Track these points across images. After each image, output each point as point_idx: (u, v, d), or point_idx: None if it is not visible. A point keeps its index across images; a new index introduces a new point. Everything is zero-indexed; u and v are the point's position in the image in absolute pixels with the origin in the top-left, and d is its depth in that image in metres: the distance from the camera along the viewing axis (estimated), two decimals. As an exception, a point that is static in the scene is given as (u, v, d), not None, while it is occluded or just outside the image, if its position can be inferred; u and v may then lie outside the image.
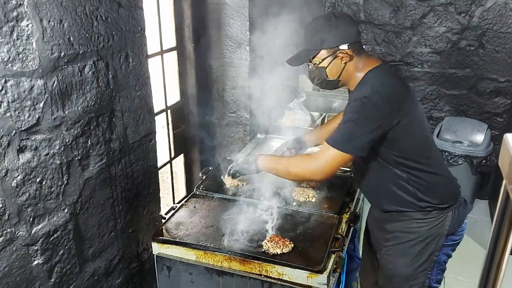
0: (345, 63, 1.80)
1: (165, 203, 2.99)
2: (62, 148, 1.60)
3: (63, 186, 1.63)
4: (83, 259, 1.81)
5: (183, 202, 2.12)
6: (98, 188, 1.83)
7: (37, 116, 1.47)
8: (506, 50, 3.74)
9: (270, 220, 1.91)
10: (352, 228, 2.08)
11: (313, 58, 1.81)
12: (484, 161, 3.62)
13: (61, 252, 1.67)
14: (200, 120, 3.10)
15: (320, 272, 1.65)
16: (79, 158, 1.70)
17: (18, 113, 1.40)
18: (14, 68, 1.36)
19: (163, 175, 3.68)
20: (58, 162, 1.59)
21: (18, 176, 1.43)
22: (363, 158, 1.80)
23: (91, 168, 1.78)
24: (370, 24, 4.05)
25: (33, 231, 1.52)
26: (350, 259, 2.34)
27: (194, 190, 2.21)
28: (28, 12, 1.37)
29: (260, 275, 1.72)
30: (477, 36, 3.79)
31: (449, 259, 2.15)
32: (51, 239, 1.61)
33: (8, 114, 1.36)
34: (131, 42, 1.91)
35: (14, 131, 1.39)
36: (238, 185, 2.14)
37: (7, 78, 1.34)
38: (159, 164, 2.38)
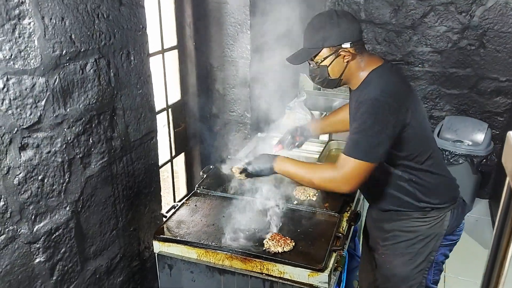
0: (348, 61, 1.77)
1: (166, 202, 2.99)
2: (64, 146, 1.60)
3: (64, 184, 1.64)
4: (85, 257, 1.81)
5: (184, 200, 2.12)
6: (100, 186, 1.84)
7: (39, 114, 1.47)
8: (506, 50, 3.74)
9: (271, 218, 1.91)
10: (352, 227, 2.08)
11: (315, 56, 1.78)
12: (484, 160, 3.62)
13: (63, 250, 1.67)
14: (201, 118, 3.10)
15: (321, 270, 1.65)
16: (80, 156, 1.70)
17: (20, 110, 1.40)
18: (16, 66, 1.36)
19: (164, 174, 3.68)
20: (59, 160, 1.59)
21: (20, 173, 1.43)
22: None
23: (93, 166, 1.78)
24: (370, 23, 4.04)
25: (35, 229, 1.52)
26: (351, 258, 2.34)
27: (195, 188, 2.21)
28: (30, 10, 1.37)
29: (261, 273, 1.72)
30: (477, 36, 3.79)
31: (448, 259, 2.14)
32: (53, 237, 1.61)
33: (9, 111, 1.36)
34: (133, 40, 1.91)
35: (15, 129, 1.39)
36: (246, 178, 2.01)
37: (9, 76, 1.34)
38: (160, 163, 2.38)
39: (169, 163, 2.91)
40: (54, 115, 1.54)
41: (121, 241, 2.05)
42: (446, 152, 3.66)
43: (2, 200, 1.37)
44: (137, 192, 2.12)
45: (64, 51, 1.54)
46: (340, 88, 2.01)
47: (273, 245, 1.73)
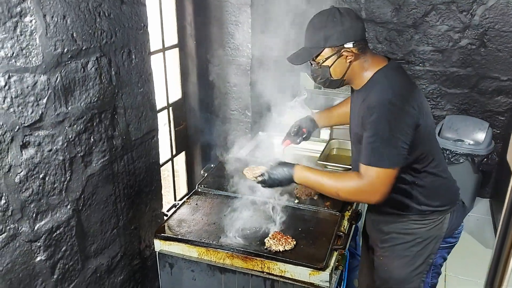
0: (350, 62, 1.71)
1: (166, 201, 2.99)
2: (65, 144, 1.60)
3: (66, 182, 1.63)
4: (86, 256, 1.81)
5: (185, 199, 2.12)
6: (101, 185, 1.83)
7: (40, 112, 1.47)
8: (508, 49, 3.74)
9: (272, 217, 1.91)
10: (354, 226, 2.08)
11: (316, 56, 1.72)
12: (485, 159, 3.61)
13: (64, 248, 1.67)
14: (202, 117, 3.09)
15: (323, 269, 1.65)
16: (82, 154, 1.70)
17: (22, 108, 1.39)
18: (18, 64, 1.36)
19: (164, 173, 3.68)
20: (61, 158, 1.59)
21: (21, 172, 1.43)
22: None
23: (94, 165, 1.78)
24: (371, 22, 4.03)
25: (36, 227, 1.52)
26: (352, 257, 2.34)
27: (196, 187, 2.21)
28: (32, 8, 1.37)
29: (262, 272, 1.72)
30: (479, 35, 3.78)
31: (449, 258, 2.12)
32: (54, 235, 1.61)
33: (11, 109, 1.36)
34: (134, 39, 1.91)
35: (17, 127, 1.39)
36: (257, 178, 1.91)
37: (10, 74, 1.34)
38: (160, 162, 2.38)
39: (170, 162, 2.91)
40: (56, 113, 1.53)
41: (122, 239, 2.05)
42: (447, 151, 3.65)
43: (3, 198, 1.37)
44: (138, 191, 2.12)
45: (66, 49, 1.54)
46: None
47: (274, 244, 1.73)
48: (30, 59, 1.40)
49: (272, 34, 2.87)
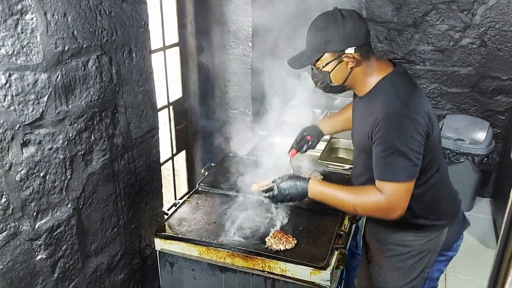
0: (352, 68, 1.63)
1: (167, 200, 2.99)
2: (66, 143, 1.60)
3: (66, 181, 1.63)
4: (86, 255, 1.81)
5: (185, 198, 2.11)
6: (101, 184, 1.83)
7: (41, 110, 1.46)
8: (508, 49, 3.73)
9: (273, 216, 1.91)
10: (354, 225, 2.07)
11: (316, 61, 1.65)
12: (485, 159, 3.61)
13: (64, 247, 1.67)
14: (202, 116, 3.09)
15: (323, 268, 1.64)
16: (82, 153, 1.69)
17: (22, 107, 1.39)
18: (18, 62, 1.35)
19: (164, 172, 3.68)
20: (61, 156, 1.59)
21: (22, 170, 1.42)
22: (368, 177, 1.66)
23: (94, 163, 1.77)
24: (372, 22, 4.03)
25: (36, 226, 1.52)
26: (352, 256, 2.34)
27: (197, 186, 2.20)
28: (33, 6, 1.37)
29: (263, 271, 1.72)
30: (479, 34, 3.78)
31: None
32: (55, 234, 1.61)
33: (12, 107, 1.35)
34: (135, 37, 1.90)
35: (18, 125, 1.38)
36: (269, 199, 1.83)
37: (11, 72, 1.33)
38: (161, 160, 2.38)
39: (170, 161, 2.90)
40: (56, 112, 1.53)
41: (122, 238, 2.04)
42: (447, 151, 3.65)
43: (4, 196, 1.37)
44: (139, 190, 2.12)
45: (67, 47, 1.53)
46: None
47: (275, 243, 1.73)
48: (31, 57, 1.39)
49: (273, 33, 2.87)
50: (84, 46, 1.62)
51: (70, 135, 1.61)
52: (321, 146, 2.73)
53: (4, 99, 1.33)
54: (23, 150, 1.42)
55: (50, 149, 1.53)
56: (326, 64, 1.64)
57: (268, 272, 1.71)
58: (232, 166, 2.35)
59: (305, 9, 2.98)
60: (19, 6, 1.32)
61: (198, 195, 2.14)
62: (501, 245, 0.72)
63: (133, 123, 1.99)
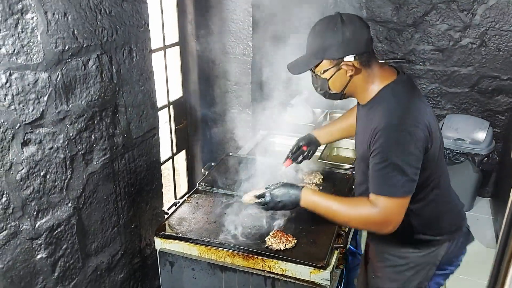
0: (351, 76, 1.57)
1: (167, 200, 2.99)
2: (66, 142, 1.60)
3: (66, 181, 1.63)
4: (86, 254, 1.81)
5: (185, 197, 2.11)
6: (102, 183, 1.83)
7: (41, 110, 1.47)
8: (508, 48, 3.73)
9: (273, 215, 1.91)
10: (354, 225, 2.07)
11: (315, 67, 1.60)
12: (485, 158, 3.62)
13: (65, 246, 1.67)
14: (202, 115, 3.09)
15: (324, 268, 1.64)
16: (82, 152, 1.69)
17: (23, 106, 1.39)
18: (19, 61, 1.35)
19: (165, 171, 3.68)
20: (62, 156, 1.59)
21: (22, 169, 1.42)
22: (367, 187, 1.59)
23: (95, 163, 1.77)
24: (372, 21, 4.03)
25: (37, 225, 1.52)
26: (352, 256, 2.34)
27: (197, 185, 2.21)
28: (33, 5, 1.37)
29: (263, 270, 1.72)
30: (479, 34, 3.78)
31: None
32: (55, 233, 1.61)
33: (12, 107, 1.36)
34: (135, 37, 1.90)
35: (18, 124, 1.38)
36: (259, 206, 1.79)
37: (11, 71, 1.33)
38: (161, 160, 2.38)
39: (171, 160, 2.91)
40: (57, 111, 1.53)
41: (123, 238, 2.05)
42: (447, 151, 3.66)
43: (4, 196, 1.37)
44: (139, 189, 2.12)
45: (67, 47, 1.53)
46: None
47: (275, 242, 1.73)
48: (31, 56, 1.40)
49: (273, 33, 2.87)
50: (85, 46, 1.62)
51: (71, 134, 1.62)
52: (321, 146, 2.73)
53: (5, 99, 1.33)
54: (24, 150, 1.42)
55: (51, 148, 1.53)
56: (325, 71, 1.59)
57: (268, 272, 1.71)
58: (232, 166, 2.36)
59: (306, 8, 2.98)
60: (20, 6, 1.33)
61: (198, 194, 2.14)
62: (501, 245, 0.72)
63: (134, 123, 2.00)
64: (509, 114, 3.89)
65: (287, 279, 1.68)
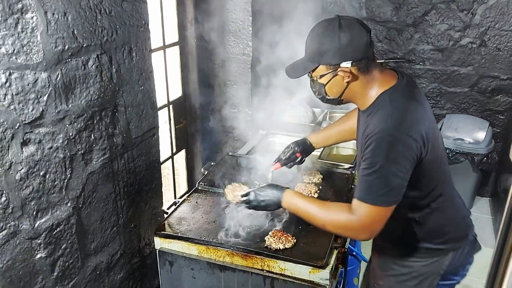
0: (348, 82, 1.52)
1: (166, 199, 2.99)
2: (66, 142, 1.60)
3: (66, 180, 1.63)
4: (85, 254, 1.81)
5: (185, 197, 2.12)
6: (101, 183, 1.83)
7: (41, 109, 1.47)
8: (508, 48, 3.74)
9: (272, 215, 1.91)
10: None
11: (313, 71, 1.56)
12: (485, 158, 3.62)
13: (64, 246, 1.67)
14: (202, 115, 3.09)
15: (323, 267, 1.65)
16: (82, 152, 1.69)
17: (22, 106, 1.39)
18: (19, 61, 1.36)
19: (164, 171, 3.68)
20: (61, 155, 1.59)
21: (22, 169, 1.43)
22: None
23: (94, 163, 1.77)
24: (372, 21, 4.03)
25: (36, 225, 1.52)
26: (352, 256, 2.34)
27: (196, 185, 2.21)
28: (33, 5, 1.37)
29: (262, 270, 1.72)
30: (479, 34, 3.78)
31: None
32: (54, 233, 1.61)
33: (12, 107, 1.36)
34: (135, 36, 1.90)
35: (18, 124, 1.39)
36: (237, 202, 1.79)
37: (11, 71, 1.34)
38: (160, 160, 2.38)
39: (170, 160, 2.91)
40: (56, 111, 1.53)
41: (122, 237, 2.05)
42: (447, 151, 3.66)
43: (4, 195, 1.37)
44: (138, 189, 2.12)
45: (67, 47, 1.53)
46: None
47: (274, 242, 1.73)
48: (31, 56, 1.40)
49: (273, 32, 2.87)
50: (84, 45, 1.62)
51: (70, 134, 1.62)
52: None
53: (4, 98, 1.33)
54: (23, 149, 1.42)
55: (50, 148, 1.53)
56: (321, 76, 1.55)
57: (267, 271, 1.71)
58: (232, 165, 2.36)
59: (306, 7, 2.98)
60: (20, 5, 1.33)
61: (197, 194, 2.14)
62: (499, 244, 0.72)
63: (133, 122, 2.00)
64: (508, 113, 3.89)
65: (286, 279, 1.69)
